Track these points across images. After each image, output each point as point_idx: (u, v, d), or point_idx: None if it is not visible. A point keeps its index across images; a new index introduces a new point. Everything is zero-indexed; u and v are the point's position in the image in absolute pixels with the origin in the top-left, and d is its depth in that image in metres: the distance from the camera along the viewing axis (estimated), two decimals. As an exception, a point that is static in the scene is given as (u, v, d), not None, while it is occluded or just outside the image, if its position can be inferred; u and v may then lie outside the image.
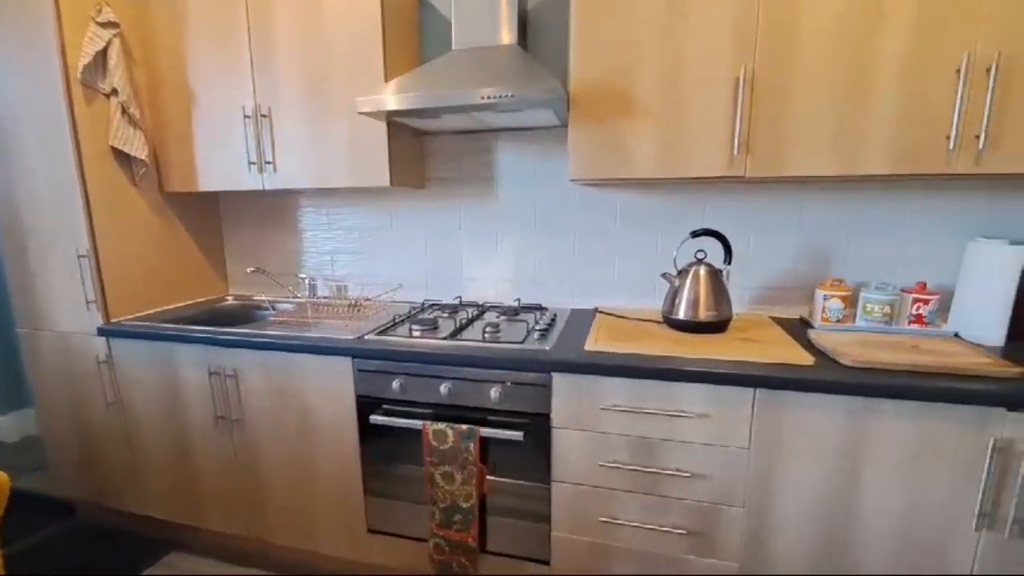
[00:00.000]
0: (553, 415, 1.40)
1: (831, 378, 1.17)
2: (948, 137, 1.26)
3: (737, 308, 1.79)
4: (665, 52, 1.40)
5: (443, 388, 1.46)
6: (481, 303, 2.01)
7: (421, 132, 1.94)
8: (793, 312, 1.76)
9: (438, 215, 2.05)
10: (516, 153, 1.91)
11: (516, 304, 1.95)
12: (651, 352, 1.36)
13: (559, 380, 1.38)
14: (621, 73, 1.44)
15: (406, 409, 1.54)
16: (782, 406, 1.23)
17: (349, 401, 1.59)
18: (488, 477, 1.49)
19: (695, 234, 1.56)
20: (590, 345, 1.43)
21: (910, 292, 1.53)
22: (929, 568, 1.21)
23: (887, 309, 1.53)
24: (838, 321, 1.59)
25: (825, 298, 1.60)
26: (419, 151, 1.99)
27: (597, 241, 1.89)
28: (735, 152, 1.39)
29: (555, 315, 1.81)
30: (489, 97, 1.38)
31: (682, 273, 1.56)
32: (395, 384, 1.51)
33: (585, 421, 1.38)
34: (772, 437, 1.25)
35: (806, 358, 1.27)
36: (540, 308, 1.92)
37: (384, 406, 1.56)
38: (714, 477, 1.31)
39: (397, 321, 1.76)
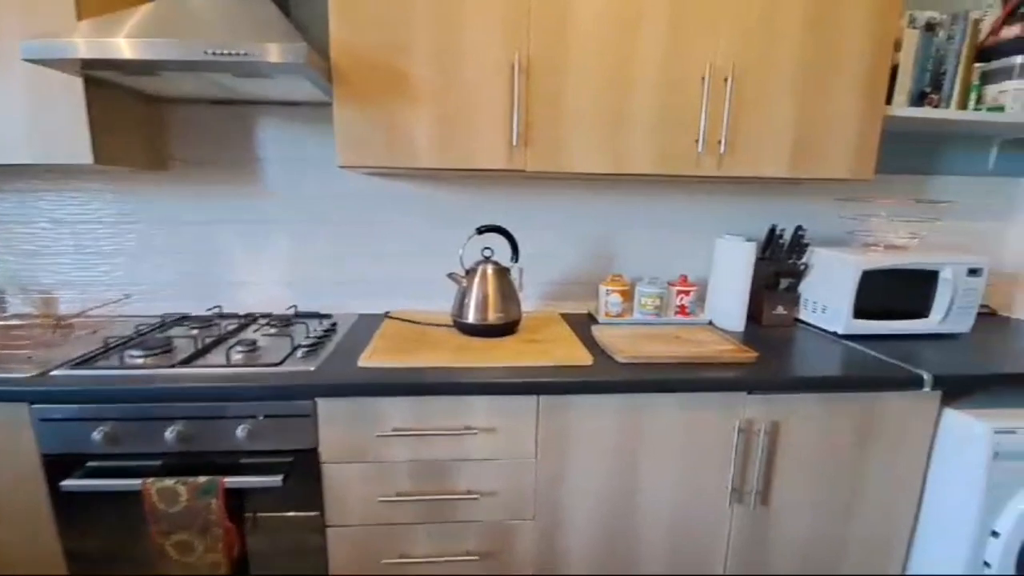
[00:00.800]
0: (321, 449, 1.17)
1: (607, 378, 1.16)
2: (697, 141, 1.35)
3: (530, 306, 1.76)
4: (441, 29, 1.26)
5: (169, 433, 1.12)
6: (246, 313, 1.66)
7: (153, 98, 1.51)
8: (583, 307, 1.79)
9: (188, 204, 1.63)
10: (285, 131, 1.60)
11: (291, 312, 1.65)
12: (433, 364, 1.22)
13: (326, 406, 1.15)
14: (397, 49, 1.26)
15: (119, 465, 1.15)
16: (565, 410, 1.19)
17: (30, 463, 1.14)
18: (246, 537, 1.20)
19: (480, 230, 1.47)
20: (365, 360, 1.23)
21: (675, 285, 1.65)
22: (697, 548, 1.29)
23: (657, 302, 1.63)
24: (618, 315, 1.65)
25: (607, 293, 1.65)
26: (153, 121, 1.55)
27: (388, 237, 1.69)
28: (514, 144, 1.31)
29: (335, 323, 1.57)
30: (215, 53, 1.07)
31: (470, 273, 1.45)
32: (98, 434, 1.11)
33: (362, 451, 1.18)
34: (557, 442, 1.21)
35: (587, 357, 1.26)
36: (321, 316, 1.66)
37: (88, 464, 1.15)
38: (505, 493, 1.22)
39: (111, 346, 1.32)
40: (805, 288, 1.66)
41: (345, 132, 1.29)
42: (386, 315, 1.67)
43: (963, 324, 1.53)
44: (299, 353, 1.28)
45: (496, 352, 1.29)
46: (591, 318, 1.70)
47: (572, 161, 1.34)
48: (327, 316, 1.66)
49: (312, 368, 1.20)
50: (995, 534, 1.22)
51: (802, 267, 1.64)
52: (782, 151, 1.39)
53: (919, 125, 1.59)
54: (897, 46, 1.44)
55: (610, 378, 1.16)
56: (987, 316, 1.80)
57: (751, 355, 1.28)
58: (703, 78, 1.32)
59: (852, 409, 1.25)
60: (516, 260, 1.51)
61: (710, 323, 1.64)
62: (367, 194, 1.66)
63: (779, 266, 1.64)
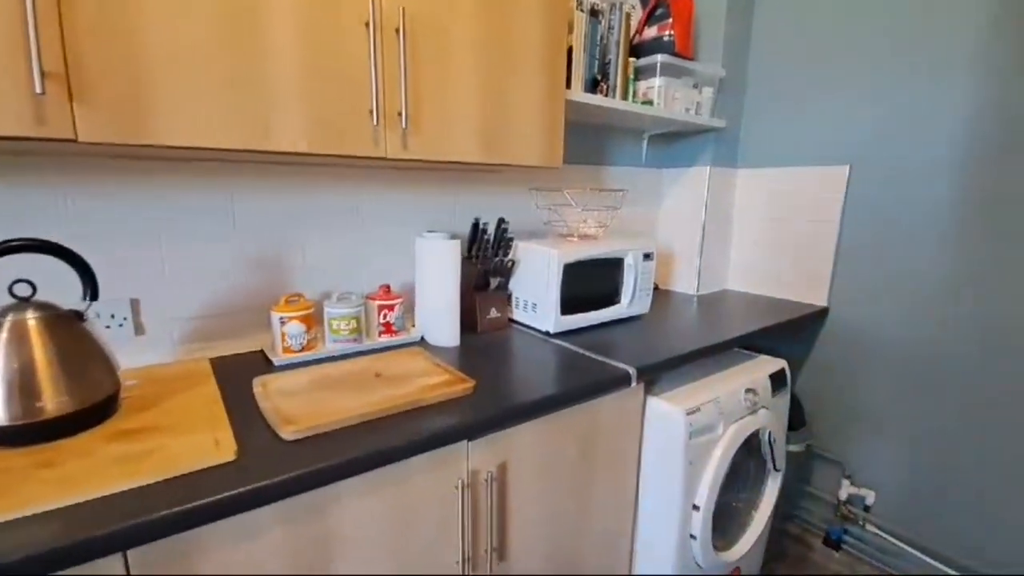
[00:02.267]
0: None
1: (258, 481, 0.72)
2: (371, 111, 1.00)
3: (161, 356, 1.16)
4: None
5: None
6: None
7: None
8: (254, 343, 1.28)
9: None
10: None
11: None
12: None
13: None
14: None
15: None
16: (185, 557, 0.70)
17: None
18: None
19: (4, 252, 0.81)
20: None
21: (375, 299, 1.30)
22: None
23: (354, 324, 1.25)
24: (304, 348, 1.21)
25: (282, 321, 1.18)
26: None
27: None
28: (39, 92, 0.72)
29: None
30: None
31: (-15, 332, 0.79)
32: None
33: None
34: (186, 606, 0.71)
35: (227, 447, 0.78)
36: None
37: None
38: None
39: None
40: (515, 285, 1.53)
41: None
42: None
43: (644, 305, 1.63)
44: None
45: (45, 479, 0.70)
46: (266, 360, 1.20)
47: (170, 128, 0.83)
48: None
49: None
50: (696, 507, 1.29)
51: (509, 264, 1.50)
52: (472, 131, 1.17)
53: (592, 114, 1.61)
54: (571, 28, 1.38)
55: (265, 480, 0.72)
56: (654, 291, 2.03)
57: (468, 385, 1.02)
58: (367, 24, 0.97)
59: (574, 422, 1.13)
60: (92, 297, 0.89)
61: (422, 339, 1.35)
62: None
63: (487, 264, 1.46)
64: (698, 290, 2.03)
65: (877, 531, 1.78)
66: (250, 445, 0.80)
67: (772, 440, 1.44)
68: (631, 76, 1.59)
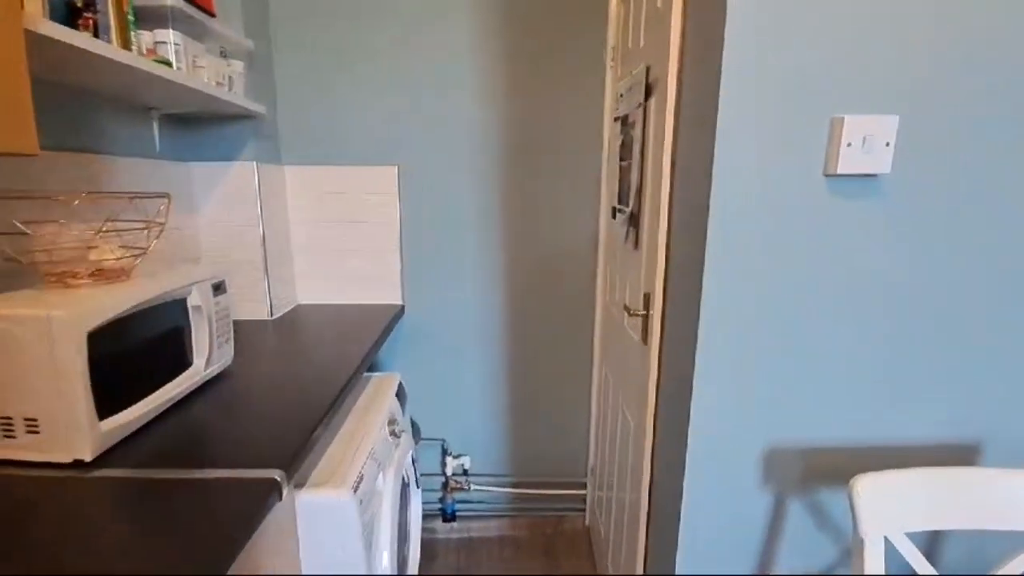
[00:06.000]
0: None
1: None
2: None
3: None
4: None
5: None
6: None
7: None
8: None
9: None
10: None
11: None
12: None
13: None
14: None
15: None
16: None
17: None
18: None
19: None
20: None
21: None
22: None
23: None
24: None
25: None
26: None
27: None
28: None
29: None
30: None
31: None
32: None
33: None
34: None
35: None
36: None
37: None
38: None
39: None
40: (-45, 397, 0.75)
41: None
42: None
43: (227, 356, 1.15)
44: None
45: None
46: None
47: None
48: None
49: None
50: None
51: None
52: None
53: (73, 67, 0.95)
54: None
55: None
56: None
57: None
58: None
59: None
60: None
61: None
62: None
63: None
64: (272, 313, 1.66)
65: (479, 487, 2.02)
66: None
67: (414, 461, 1.34)
68: (129, 15, 1.02)
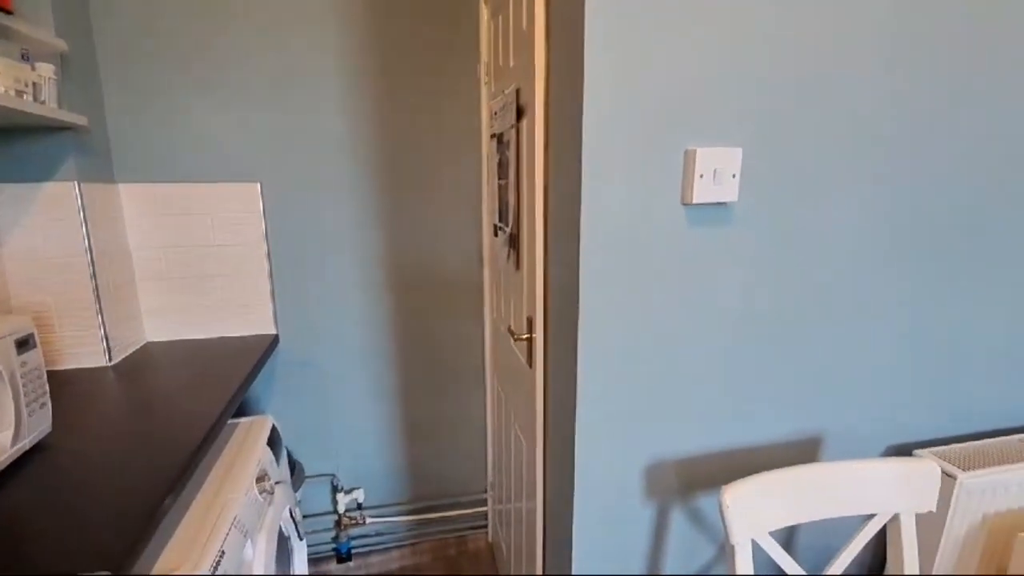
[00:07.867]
0: None
1: None
2: None
3: None
4: None
5: None
6: None
7: None
8: None
9: None
10: None
11: None
12: None
13: None
14: None
15: None
16: None
17: None
18: None
19: None
20: None
21: None
22: None
23: None
24: None
25: None
26: None
27: None
28: None
29: None
30: None
31: None
32: None
33: None
34: None
35: None
36: None
37: None
38: None
39: None
40: None
41: None
42: None
43: (44, 423, 0.95)
44: None
45: None
46: None
47: None
48: None
49: None
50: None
51: None
52: None
53: None
54: None
55: None
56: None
57: None
58: None
59: None
60: None
61: None
62: None
63: None
64: (111, 359, 1.42)
65: (375, 519, 1.91)
66: None
67: (293, 514, 1.22)
68: None
